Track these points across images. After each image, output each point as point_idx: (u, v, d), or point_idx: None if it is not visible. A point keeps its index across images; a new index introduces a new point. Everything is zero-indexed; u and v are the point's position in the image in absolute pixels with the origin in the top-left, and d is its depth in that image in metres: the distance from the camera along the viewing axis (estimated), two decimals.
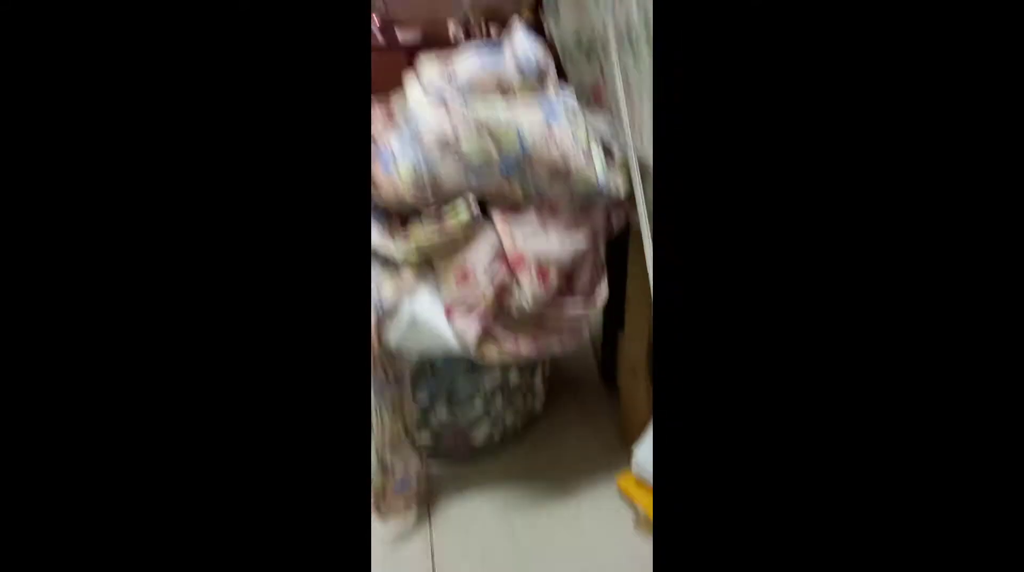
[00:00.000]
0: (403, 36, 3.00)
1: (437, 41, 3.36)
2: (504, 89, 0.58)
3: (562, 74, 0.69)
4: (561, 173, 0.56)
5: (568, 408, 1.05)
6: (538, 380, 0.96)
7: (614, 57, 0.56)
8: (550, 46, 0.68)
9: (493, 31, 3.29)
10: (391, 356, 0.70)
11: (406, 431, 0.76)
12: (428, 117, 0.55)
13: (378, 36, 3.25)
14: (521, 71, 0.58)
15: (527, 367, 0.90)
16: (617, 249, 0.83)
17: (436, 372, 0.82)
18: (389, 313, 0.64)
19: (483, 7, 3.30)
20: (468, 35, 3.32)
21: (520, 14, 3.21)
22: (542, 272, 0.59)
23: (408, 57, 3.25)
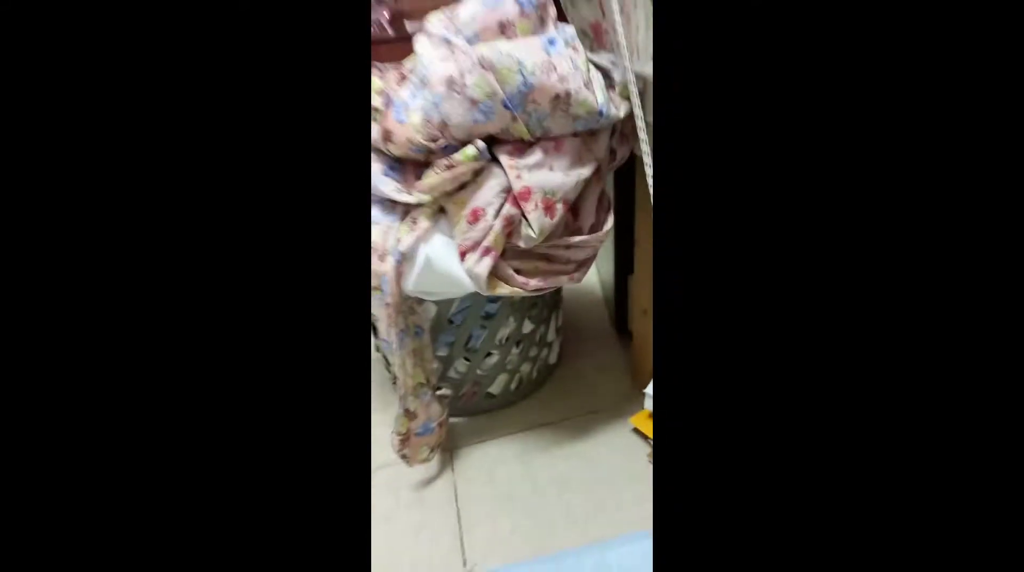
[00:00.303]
0: (412, 28, 3.00)
1: None
2: (505, 29, 0.60)
3: (562, 17, 0.71)
4: (562, 99, 0.58)
5: (582, 359, 1.08)
6: (552, 331, 0.98)
7: None
8: None
9: None
10: (411, 307, 0.73)
11: (427, 380, 0.79)
12: (434, 61, 0.57)
13: (387, 28, 3.26)
14: (521, 9, 0.59)
15: (541, 318, 0.93)
16: (625, 193, 0.85)
17: (453, 325, 0.85)
18: (407, 259, 0.66)
19: None
20: None
21: None
22: (548, 204, 0.61)
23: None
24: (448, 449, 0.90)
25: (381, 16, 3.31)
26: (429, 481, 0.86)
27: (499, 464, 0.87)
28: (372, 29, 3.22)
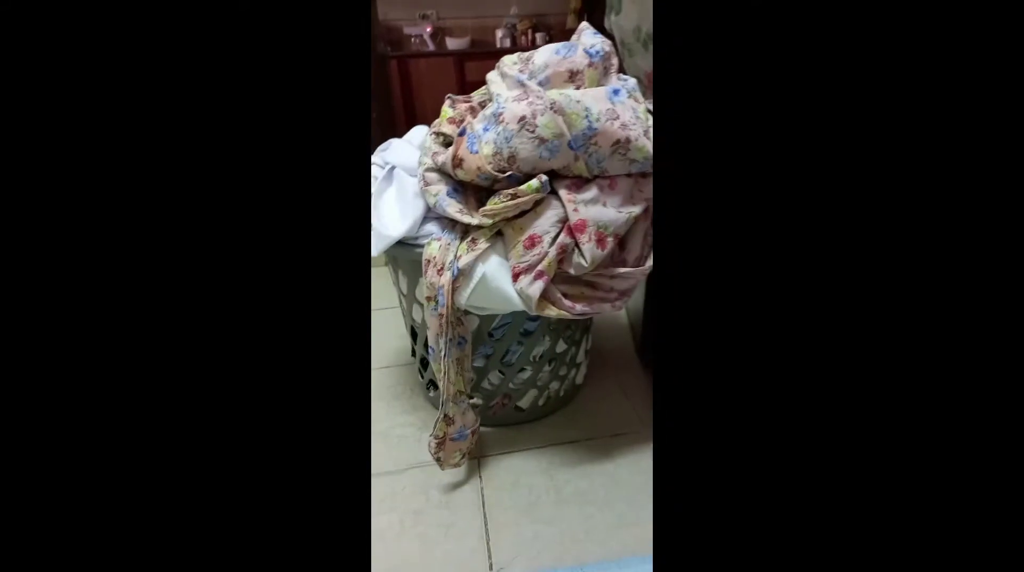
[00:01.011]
0: (453, 43, 3.13)
1: (484, 48, 3.49)
2: (574, 77, 0.67)
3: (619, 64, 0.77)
4: (621, 144, 0.64)
5: (607, 381, 1.12)
6: (582, 352, 1.03)
7: None
8: (609, 38, 0.76)
9: (539, 38, 3.37)
10: (459, 318, 0.79)
11: (465, 388, 0.84)
12: (509, 101, 0.64)
13: (429, 43, 3.37)
14: (590, 60, 0.66)
15: (574, 340, 0.98)
16: None
17: (493, 338, 0.90)
18: (464, 275, 0.72)
19: (529, 17, 3.40)
20: (514, 43, 3.41)
21: (566, 23, 3.29)
22: (600, 237, 0.66)
23: (457, 62, 3.37)
24: (476, 456, 0.95)
25: (424, 31, 3.42)
26: (458, 485, 0.90)
27: (524, 475, 0.92)
28: (414, 43, 3.31)
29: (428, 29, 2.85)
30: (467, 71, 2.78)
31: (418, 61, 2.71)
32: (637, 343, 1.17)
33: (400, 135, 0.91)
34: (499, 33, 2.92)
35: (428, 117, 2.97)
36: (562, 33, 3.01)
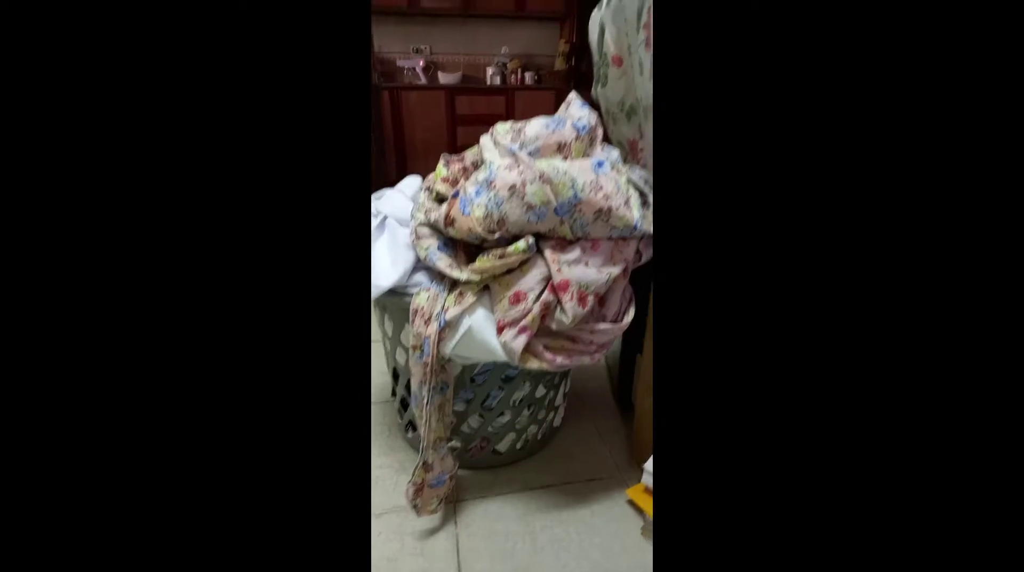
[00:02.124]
0: (444, 78, 3.21)
1: (475, 83, 3.58)
2: (562, 148, 0.71)
3: (604, 133, 0.83)
4: (603, 213, 0.68)
5: (584, 425, 1.15)
6: (560, 396, 1.06)
7: (650, 121, 0.69)
8: (595, 105, 0.81)
9: (527, 78, 3.47)
10: (443, 366, 0.81)
11: (445, 433, 0.85)
12: (501, 169, 0.68)
13: (421, 76, 3.44)
14: (577, 133, 0.71)
15: (553, 384, 1.00)
16: (642, 283, 0.95)
17: (474, 383, 0.92)
18: (450, 326, 0.75)
19: (519, 56, 3.52)
20: (504, 80, 3.51)
21: (554, 65, 3.41)
22: (582, 295, 0.70)
23: (448, 96, 3.44)
24: (452, 501, 0.95)
25: (417, 64, 3.50)
26: (433, 531, 0.90)
27: (500, 520, 0.92)
28: (407, 75, 3.38)
29: (421, 63, 2.94)
30: (457, 104, 2.86)
31: (410, 93, 2.79)
32: (614, 386, 1.20)
33: (390, 163, 0.94)
34: (490, 70, 3.03)
35: (418, 147, 3.04)
36: (551, 74, 3.13)
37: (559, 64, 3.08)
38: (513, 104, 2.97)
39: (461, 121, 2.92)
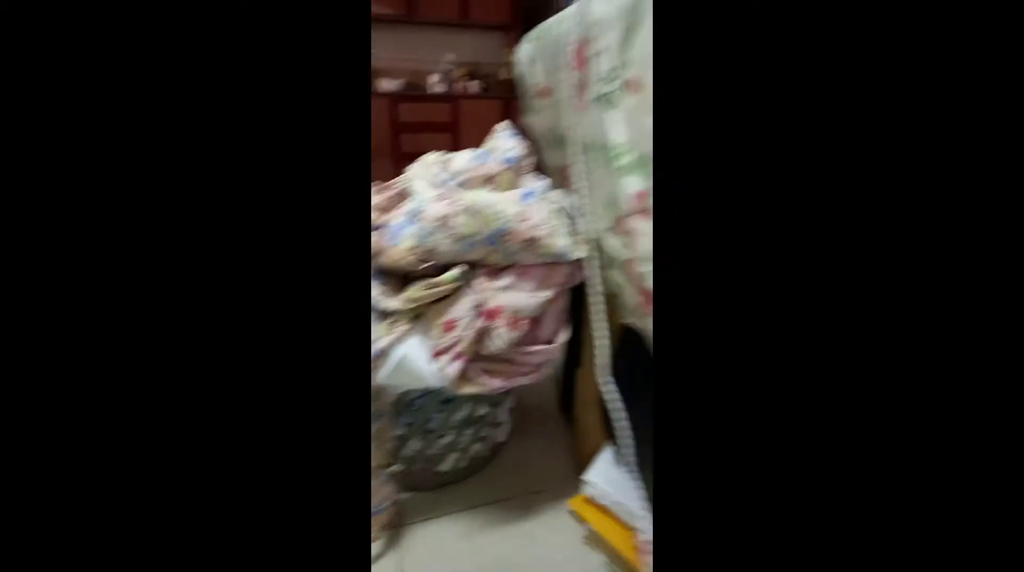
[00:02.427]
0: (387, 84, 3.15)
1: (418, 91, 3.53)
2: (489, 180, 0.73)
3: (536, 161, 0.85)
4: (531, 242, 0.71)
5: (530, 438, 1.17)
6: (504, 411, 1.07)
7: (578, 155, 0.71)
8: (526, 131, 0.83)
9: (474, 86, 3.47)
10: (378, 393, 0.80)
11: (384, 461, 0.85)
12: (429, 201, 0.69)
13: None
14: (505, 166, 0.73)
15: (495, 402, 1.02)
16: (578, 301, 0.98)
17: (413, 407, 0.92)
18: (381, 356, 0.74)
19: (466, 64, 3.51)
20: (449, 87, 3.48)
21: (498, 73, 3.43)
22: (514, 320, 0.72)
23: (391, 104, 3.39)
24: (396, 525, 0.94)
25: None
26: (376, 558, 0.89)
27: (445, 542, 0.93)
28: None
29: None
30: (400, 112, 2.82)
31: None
32: (559, 398, 1.23)
33: None
34: (434, 78, 3.00)
35: None
36: (496, 84, 3.14)
37: (505, 73, 3.10)
38: (459, 112, 2.96)
39: (404, 128, 2.87)
